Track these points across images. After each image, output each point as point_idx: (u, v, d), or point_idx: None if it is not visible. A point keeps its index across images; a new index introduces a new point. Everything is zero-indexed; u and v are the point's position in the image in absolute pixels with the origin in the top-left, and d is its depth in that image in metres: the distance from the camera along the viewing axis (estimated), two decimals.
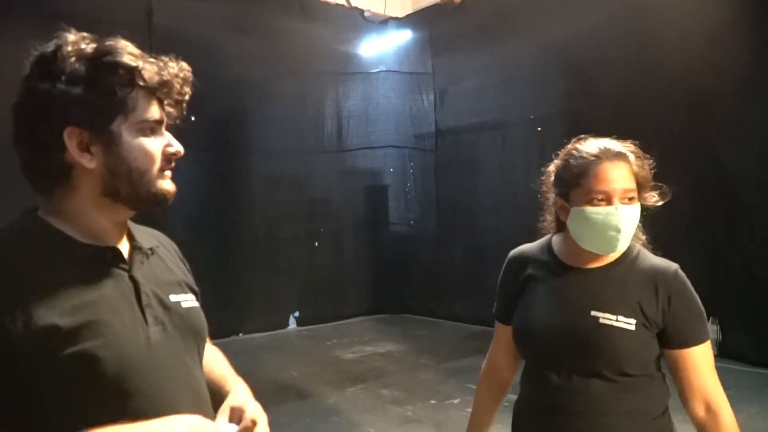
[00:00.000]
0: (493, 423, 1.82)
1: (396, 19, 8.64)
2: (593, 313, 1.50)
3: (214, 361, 1.34)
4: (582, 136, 1.59)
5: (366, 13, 8.51)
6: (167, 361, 1.05)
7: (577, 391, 1.50)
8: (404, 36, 8.79)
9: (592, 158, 1.49)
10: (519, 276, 1.67)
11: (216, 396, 1.26)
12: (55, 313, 0.93)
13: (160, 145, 1.07)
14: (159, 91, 1.06)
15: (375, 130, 8.65)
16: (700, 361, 1.50)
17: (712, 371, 1.52)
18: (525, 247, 1.73)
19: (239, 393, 1.26)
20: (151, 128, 1.06)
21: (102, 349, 0.96)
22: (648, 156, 1.56)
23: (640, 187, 1.51)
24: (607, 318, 1.48)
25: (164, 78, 1.07)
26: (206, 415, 1.09)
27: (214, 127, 7.02)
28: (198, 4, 6.88)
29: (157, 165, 1.06)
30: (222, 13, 7.02)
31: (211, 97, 6.85)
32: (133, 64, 1.02)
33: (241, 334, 7.25)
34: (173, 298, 1.13)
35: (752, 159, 5.38)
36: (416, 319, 8.13)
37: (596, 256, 1.56)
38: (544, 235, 1.73)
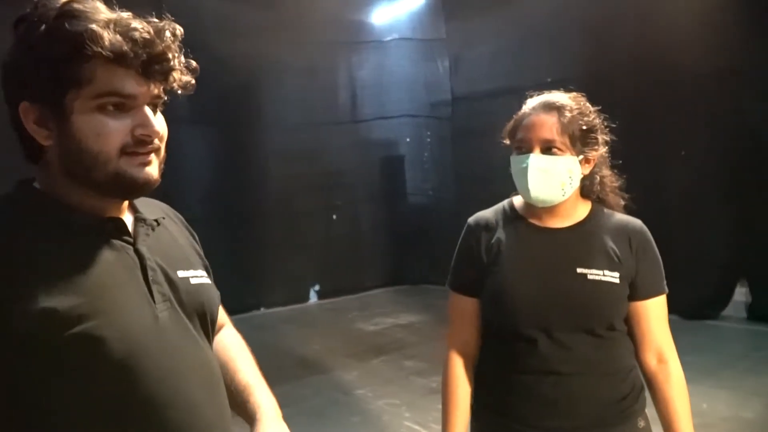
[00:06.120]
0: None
1: None
2: (579, 270, 1.50)
3: (239, 360, 1.22)
4: (537, 92, 1.61)
5: None
6: (176, 341, 0.97)
7: (567, 351, 1.49)
8: (416, 2, 8.60)
9: (527, 111, 1.55)
10: (488, 242, 1.63)
11: (238, 406, 1.15)
12: (54, 291, 0.85)
13: (126, 124, 0.91)
14: (127, 59, 0.88)
15: (389, 100, 8.51)
16: (658, 312, 1.55)
17: (666, 324, 1.57)
18: (485, 213, 1.71)
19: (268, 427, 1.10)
20: (117, 104, 0.90)
21: (106, 328, 0.88)
22: (592, 109, 1.56)
23: (573, 139, 1.50)
24: (594, 273, 1.50)
25: (134, 43, 0.88)
26: (217, 396, 1.04)
27: (224, 102, 6.92)
28: None
29: (116, 147, 0.90)
30: None
31: (220, 70, 6.75)
32: (83, 28, 0.86)
33: (262, 309, 7.27)
34: (181, 273, 1.04)
35: None
36: (436, 289, 8.03)
37: (556, 214, 1.56)
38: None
